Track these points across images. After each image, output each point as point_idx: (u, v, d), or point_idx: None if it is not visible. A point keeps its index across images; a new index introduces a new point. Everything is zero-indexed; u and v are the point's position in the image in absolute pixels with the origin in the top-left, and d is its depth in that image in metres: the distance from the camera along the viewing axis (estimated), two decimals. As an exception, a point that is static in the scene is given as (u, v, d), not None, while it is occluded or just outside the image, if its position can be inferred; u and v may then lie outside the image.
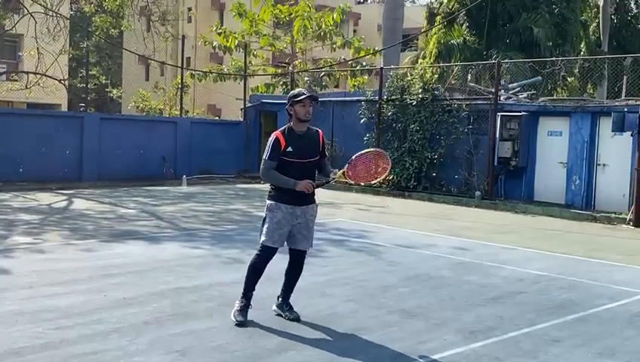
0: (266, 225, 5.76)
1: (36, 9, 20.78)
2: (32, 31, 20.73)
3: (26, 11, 21.74)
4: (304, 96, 5.68)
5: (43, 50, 21.04)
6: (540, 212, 14.86)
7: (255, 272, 5.84)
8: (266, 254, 5.77)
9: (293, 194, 5.66)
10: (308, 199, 5.76)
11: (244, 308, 5.80)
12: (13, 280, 7.17)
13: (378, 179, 5.94)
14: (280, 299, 6.05)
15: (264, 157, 5.76)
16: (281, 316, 5.95)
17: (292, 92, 5.84)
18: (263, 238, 5.77)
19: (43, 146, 17.86)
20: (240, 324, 5.69)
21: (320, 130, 5.95)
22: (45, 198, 14.85)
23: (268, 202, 5.82)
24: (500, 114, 16.15)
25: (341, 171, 5.81)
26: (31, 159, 17.58)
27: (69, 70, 28.44)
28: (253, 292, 5.87)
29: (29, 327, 5.46)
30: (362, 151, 6.02)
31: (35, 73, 22.41)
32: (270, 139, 5.75)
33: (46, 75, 22.19)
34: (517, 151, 15.88)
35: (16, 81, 27.72)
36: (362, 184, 6.12)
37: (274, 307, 6.06)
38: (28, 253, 8.71)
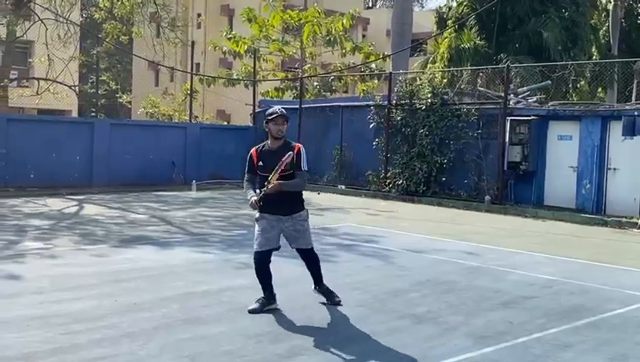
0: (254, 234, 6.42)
1: (47, 16, 20.93)
2: (43, 37, 20.88)
3: (36, 18, 21.91)
4: (276, 115, 6.26)
5: (54, 56, 21.18)
6: (550, 216, 14.79)
7: (257, 274, 6.41)
8: (257, 258, 6.37)
9: (276, 205, 6.23)
10: (290, 210, 6.33)
11: (259, 300, 6.38)
12: (24, 285, 7.21)
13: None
14: (314, 285, 6.78)
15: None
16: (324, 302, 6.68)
17: (268, 110, 6.48)
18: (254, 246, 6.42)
19: (53, 152, 17.95)
20: (250, 311, 6.24)
21: (298, 145, 6.33)
22: (56, 204, 14.92)
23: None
24: (509, 118, 16.10)
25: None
26: (41, 165, 17.67)
27: (80, 76, 28.62)
28: (274, 293, 6.42)
29: (39, 332, 5.49)
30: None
31: (45, 79, 22.58)
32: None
33: (57, 82, 22.34)
34: (527, 155, 15.82)
35: (27, 87, 27.92)
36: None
37: (314, 291, 6.79)
38: (39, 259, 8.76)
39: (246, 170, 6.46)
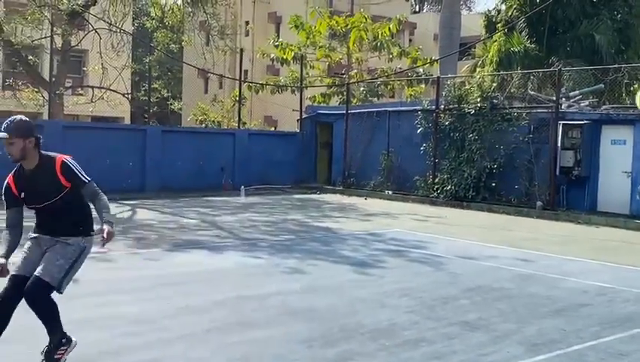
0: None
1: (100, 25, 21.47)
2: (97, 46, 21.44)
3: (90, 28, 22.50)
4: None
5: (107, 64, 21.71)
6: (604, 223, 14.46)
7: None
8: (5, 285, 4.60)
9: (46, 222, 4.76)
10: (59, 231, 4.73)
11: None
12: (80, 288, 7.37)
13: None
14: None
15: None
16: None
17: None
18: None
19: (107, 158, 18.35)
20: None
21: (60, 158, 4.73)
22: (110, 209, 15.22)
23: None
24: (561, 122, 15.82)
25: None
26: (96, 171, 17.86)
27: (132, 84, 29.22)
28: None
29: (96, 334, 5.63)
30: None
31: (99, 87, 23.15)
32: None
33: (110, 89, 22.91)
34: (579, 160, 15.51)
35: (82, 95, 28.66)
36: None
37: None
38: (95, 262, 8.94)
39: (6, 206, 4.66)
